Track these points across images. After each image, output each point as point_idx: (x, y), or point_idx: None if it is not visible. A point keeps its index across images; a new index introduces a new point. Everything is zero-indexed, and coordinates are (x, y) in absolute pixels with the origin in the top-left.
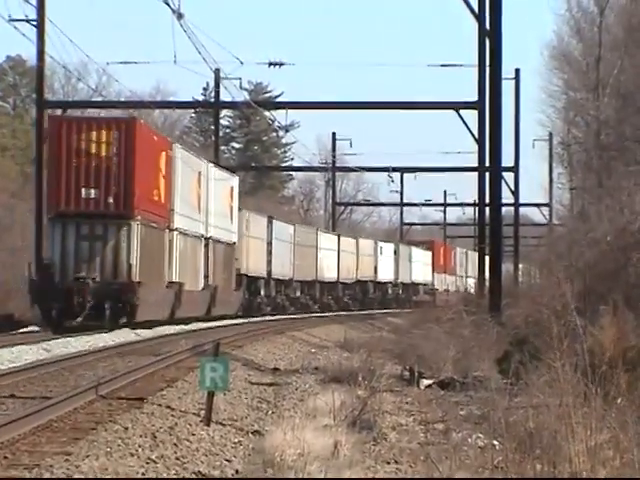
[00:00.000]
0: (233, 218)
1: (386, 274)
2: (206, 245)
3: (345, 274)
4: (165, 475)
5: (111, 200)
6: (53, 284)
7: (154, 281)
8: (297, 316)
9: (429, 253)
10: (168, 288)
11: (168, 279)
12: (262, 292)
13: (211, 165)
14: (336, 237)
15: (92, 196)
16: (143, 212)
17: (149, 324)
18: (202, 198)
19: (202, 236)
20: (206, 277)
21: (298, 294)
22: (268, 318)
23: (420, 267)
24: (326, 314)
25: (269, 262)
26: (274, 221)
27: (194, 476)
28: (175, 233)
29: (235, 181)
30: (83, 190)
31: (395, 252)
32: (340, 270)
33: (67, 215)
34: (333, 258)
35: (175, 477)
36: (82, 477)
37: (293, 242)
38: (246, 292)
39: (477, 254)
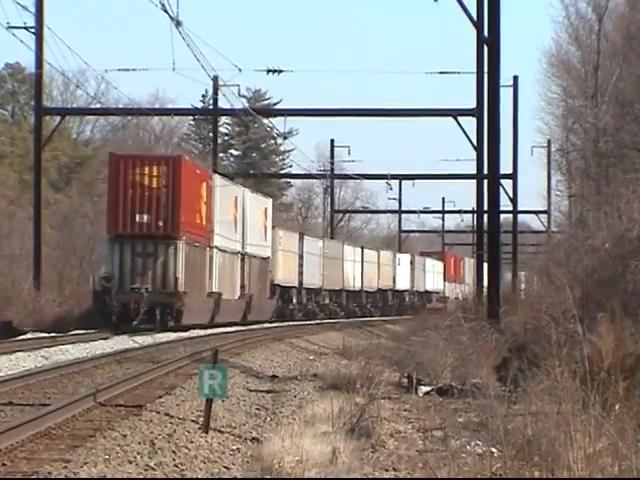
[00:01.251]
0: (267, 235)
1: (403, 283)
2: (242, 260)
3: (368, 283)
4: None
5: (161, 224)
6: (113, 294)
7: (197, 291)
8: (296, 323)
9: (441, 263)
10: (209, 297)
11: (209, 289)
12: (294, 300)
13: (247, 190)
14: (360, 249)
15: (145, 220)
16: (187, 233)
17: (193, 326)
18: (238, 219)
19: (239, 252)
20: (242, 287)
21: (327, 301)
22: (267, 325)
23: (433, 276)
24: (325, 321)
25: (300, 273)
26: (305, 237)
27: None
28: (215, 250)
29: (269, 203)
30: (137, 215)
31: (411, 263)
32: (364, 280)
33: (124, 236)
34: (357, 269)
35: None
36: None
37: (322, 255)
38: (280, 300)
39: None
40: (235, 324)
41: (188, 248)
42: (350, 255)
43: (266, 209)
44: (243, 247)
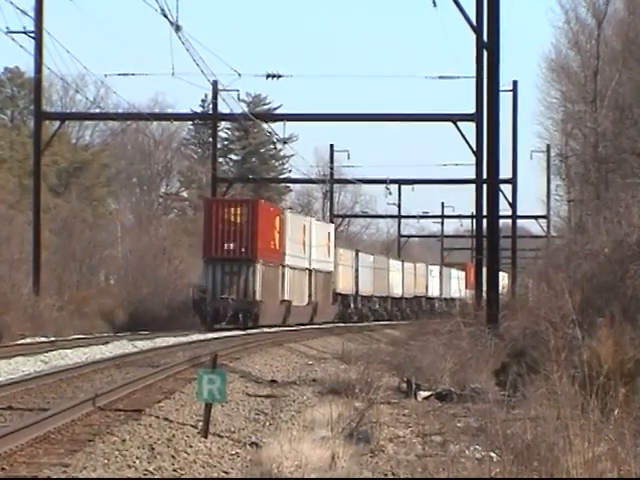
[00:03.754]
0: (330, 254)
1: (434, 291)
2: (309, 274)
3: (407, 291)
4: None
5: (243, 250)
6: (207, 301)
7: (271, 299)
8: (296, 328)
9: (463, 273)
10: (281, 304)
11: (281, 298)
12: (352, 305)
13: (313, 220)
14: (401, 262)
15: (231, 247)
16: (264, 256)
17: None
18: (306, 243)
19: (306, 268)
20: (309, 296)
21: (377, 307)
22: (266, 330)
23: (457, 284)
24: (322, 325)
25: (356, 283)
26: (359, 253)
27: None
28: (286, 268)
29: (331, 228)
30: (225, 244)
31: (440, 273)
32: (404, 288)
33: (216, 259)
34: (399, 278)
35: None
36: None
37: (373, 267)
38: (340, 305)
39: (503, 273)
40: (304, 324)
41: (264, 267)
42: (393, 267)
43: (329, 232)
44: (310, 264)
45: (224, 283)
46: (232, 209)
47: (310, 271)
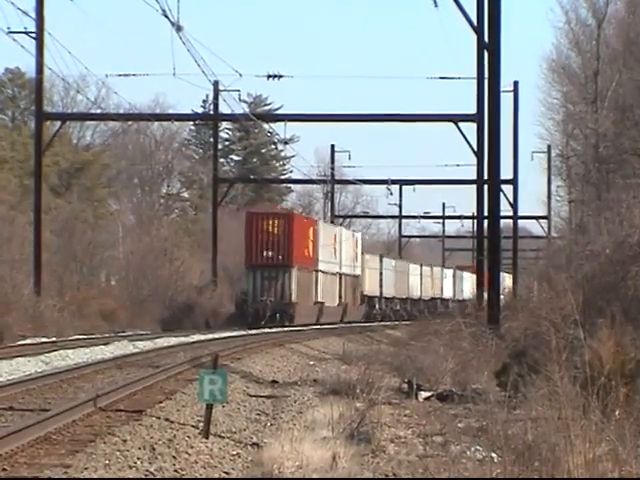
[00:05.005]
0: (357, 259)
1: (448, 292)
2: (340, 278)
3: (424, 293)
4: None
5: (280, 257)
6: (248, 303)
7: (305, 301)
8: (298, 329)
9: (474, 275)
10: (314, 305)
11: (314, 300)
12: (377, 306)
13: (343, 229)
14: (419, 266)
15: (270, 255)
16: (298, 263)
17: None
18: (337, 250)
19: (337, 272)
20: (339, 297)
21: (398, 307)
22: (267, 331)
23: (468, 286)
24: (324, 326)
25: (381, 285)
26: (384, 258)
27: None
28: (319, 273)
29: (359, 236)
30: (264, 252)
31: (453, 276)
32: (422, 290)
33: (256, 266)
34: (417, 281)
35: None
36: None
37: (395, 271)
38: (366, 306)
39: (507, 274)
40: (335, 323)
41: (299, 272)
42: (413, 270)
43: (357, 240)
44: (340, 269)
45: (263, 287)
46: (270, 221)
47: (340, 275)
